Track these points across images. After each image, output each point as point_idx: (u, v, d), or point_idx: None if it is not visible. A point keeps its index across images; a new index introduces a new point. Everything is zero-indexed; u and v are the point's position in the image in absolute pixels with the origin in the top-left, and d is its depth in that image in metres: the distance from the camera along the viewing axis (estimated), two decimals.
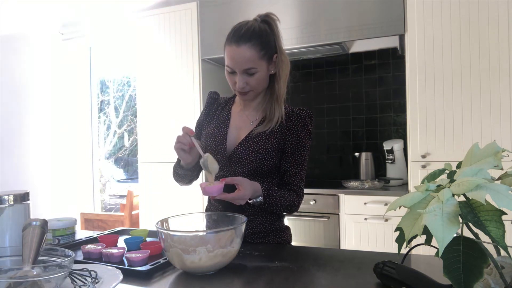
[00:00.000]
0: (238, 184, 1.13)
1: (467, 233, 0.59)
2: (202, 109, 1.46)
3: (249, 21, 1.26)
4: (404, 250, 0.72)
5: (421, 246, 0.74)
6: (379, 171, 2.89)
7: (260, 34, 1.22)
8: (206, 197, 2.90)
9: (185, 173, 1.32)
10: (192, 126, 1.44)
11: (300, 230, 2.62)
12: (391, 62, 2.97)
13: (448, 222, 0.55)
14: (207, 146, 1.31)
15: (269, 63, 1.26)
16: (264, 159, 1.24)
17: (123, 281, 0.86)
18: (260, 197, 1.19)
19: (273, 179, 1.31)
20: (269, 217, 1.29)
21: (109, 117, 5.55)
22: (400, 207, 0.65)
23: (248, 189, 1.14)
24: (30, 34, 3.67)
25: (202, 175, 2.95)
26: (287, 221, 2.63)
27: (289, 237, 1.37)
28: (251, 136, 1.27)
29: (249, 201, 1.19)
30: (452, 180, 0.63)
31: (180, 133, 1.21)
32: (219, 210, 1.32)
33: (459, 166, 0.68)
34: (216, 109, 1.41)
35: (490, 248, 0.60)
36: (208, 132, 1.35)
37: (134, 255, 1.03)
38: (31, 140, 3.67)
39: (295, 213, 2.63)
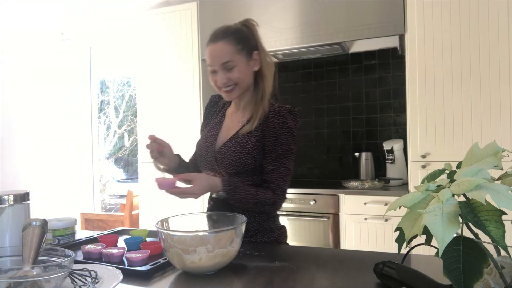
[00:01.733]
0: (192, 179, 1.15)
1: (467, 233, 0.59)
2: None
3: (227, 24, 1.31)
4: (404, 250, 0.72)
5: (421, 246, 0.73)
6: (379, 171, 2.89)
7: (235, 31, 1.27)
8: (206, 197, 2.90)
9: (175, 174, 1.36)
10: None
11: (300, 230, 2.62)
12: (391, 62, 2.96)
13: (448, 222, 0.55)
14: (201, 146, 1.37)
15: (248, 58, 1.28)
16: (245, 158, 1.25)
17: (123, 281, 0.86)
18: (221, 192, 1.21)
19: (258, 178, 1.30)
20: (257, 216, 1.29)
21: (109, 117, 5.55)
22: (400, 207, 0.65)
23: (200, 185, 1.15)
24: (30, 34, 3.67)
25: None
26: (286, 220, 2.65)
27: (280, 237, 1.35)
28: (236, 137, 1.29)
29: (213, 196, 1.22)
30: (452, 180, 0.63)
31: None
32: (214, 209, 1.33)
33: (459, 166, 0.68)
34: (214, 111, 1.46)
35: (490, 248, 0.60)
36: (204, 133, 1.41)
37: (134, 255, 1.03)
38: (31, 140, 3.67)
39: (295, 213, 2.65)
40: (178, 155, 1.40)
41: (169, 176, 1.22)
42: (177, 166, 1.37)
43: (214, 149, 1.32)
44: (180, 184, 1.16)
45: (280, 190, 1.25)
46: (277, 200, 1.25)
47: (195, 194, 1.15)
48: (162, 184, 1.12)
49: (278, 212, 1.38)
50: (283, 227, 1.38)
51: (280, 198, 1.25)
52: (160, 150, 1.29)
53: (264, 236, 1.30)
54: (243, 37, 1.27)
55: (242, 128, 1.29)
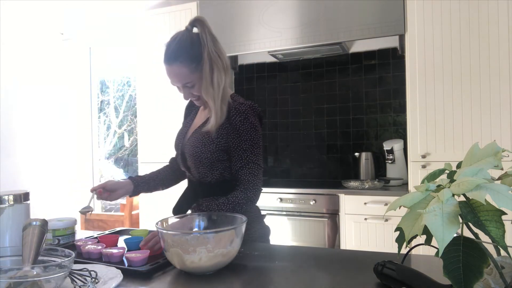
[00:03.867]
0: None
1: (467, 233, 0.59)
2: None
3: (178, 34, 1.34)
4: (404, 250, 0.72)
5: (421, 246, 0.74)
6: (379, 171, 2.89)
7: (186, 47, 1.28)
8: None
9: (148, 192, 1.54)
10: None
11: (300, 230, 2.62)
12: (391, 62, 2.96)
13: (448, 222, 0.55)
14: (174, 142, 1.47)
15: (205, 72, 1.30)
16: (200, 152, 1.30)
17: (123, 281, 0.86)
18: None
19: (222, 172, 1.32)
20: None
21: (109, 117, 5.55)
22: (400, 207, 0.65)
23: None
24: (30, 34, 3.67)
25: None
26: (287, 220, 2.65)
27: (257, 219, 1.38)
28: (196, 132, 1.36)
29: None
30: (452, 180, 0.63)
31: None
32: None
33: (459, 166, 0.68)
34: (191, 109, 1.55)
35: (490, 248, 0.60)
36: (178, 132, 1.49)
37: (134, 255, 1.03)
38: (31, 140, 3.67)
39: (295, 213, 2.65)
40: (130, 179, 1.48)
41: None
42: (134, 189, 1.47)
43: (182, 143, 1.40)
44: None
45: (251, 185, 1.26)
46: (251, 196, 1.27)
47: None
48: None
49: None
50: (265, 233, 1.40)
51: (253, 194, 1.27)
52: (102, 193, 1.39)
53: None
54: (194, 53, 1.28)
55: (204, 125, 1.34)
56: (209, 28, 1.31)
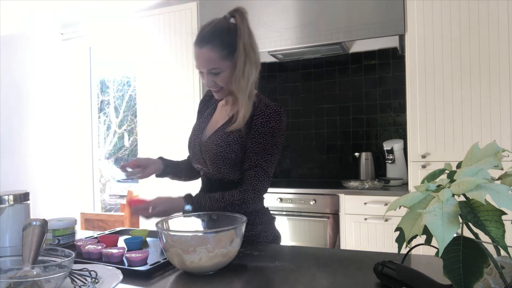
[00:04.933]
0: (151, 206, 1.22)
1: (467, 233, 0.59)
2: None
3: (214, 20, 1.30)
4: (404, 250, 0.72)
5: (421, 246, 0.74)
6: (379, 171, 2.89)
7: (221, 33, 1.25)
8: None
9: (173, 178, 1.49)
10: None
11: (300, 230, 2.62)
12: (391, 62, 2.97)
13: (448, 222, 0.55)
14: (190, 138, 1.41)
15: (234, 61, 1.26)
16: (225, 151, 1.27)
17: (123, 281, 0.86)
18: (188, 206, 1.23)
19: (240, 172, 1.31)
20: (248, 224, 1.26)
21: (109, 117, 5.55)
22: (400, 207, 0.65)
23: (157, 209, 1.22)
24: (30, 34, 3.67)
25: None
26: (287, 220, 2.65)
27: (266, 228, 1.36)
28: (220, 130, 1.31)
29: (183, 215, 1.23)
30: (452, 180, 0.63)
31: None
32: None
33: (459, 166, 0.68)
34: (207, 105, 1.49)
35: (490, 248, 0.60)
36: (193, 127, 1.44)
37: (134, 255, 1.03)
38: (31, 140, 3.67)
39: (295, 213, 2.64)
40: (160, 158, 1.46)
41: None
42: (164, 169, 1.44)
43: (200, 141, 1.35)
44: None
45: (251, 188, 1.24)
46: (247, 198, 1.24)
47: (158, 217, 1.20)
48: (136, 209, 1.24)
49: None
50: (278, 236, 1.39)
51: (251, 197, 1.24)
52: (137, 170, 1.37)
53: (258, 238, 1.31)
54: (229, 41, 1.24)
55: (229, 124, 1.30)
56: (247, 21, 1.28)
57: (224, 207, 1.22)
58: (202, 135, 1.37)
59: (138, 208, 1.23)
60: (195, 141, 1.37)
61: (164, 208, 1.22)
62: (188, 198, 1.25)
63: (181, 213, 1.21)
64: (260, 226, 1.33)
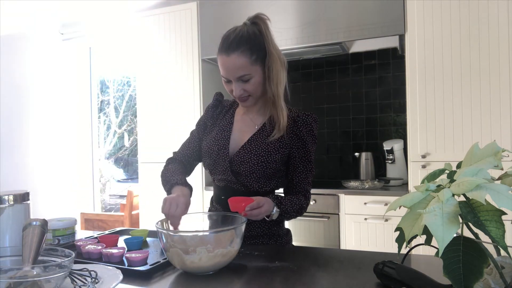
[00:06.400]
0: (261, 206, 1.14)
1: (467, 233, 0.59)
2: (204, 109, 1.45)
3: (237, 27, 1.25)
4: (404, 250, 0.72)
5: (421, 246, 0.74)
6: (379, 171, 2.89)
7: (248, 39, 1.21)
8: (206, 198, 2.90)
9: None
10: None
11: (300, 230, 2.62)
12: (391, 62, 2.96)
13: (448, 222, 0.55)
14: (210, 150, 1.30)
15: (262, 66, 1.23)
16: (266, 161, 1.23)
17: (123, 281, 0.86)
18: (275, 209, 1.19)
19: (277, 182, 1.30)
20: (267, 221, 1.25)
21: (109, 117, 5.55)
22: (400, 207, 0.65)
23: (266, 208, 1.15)
24: (30, 34, 3.67)
25: (200, 173, 2.95)
26: (287, 222, 2.64)
27: (289, 241, 1.36)
28: (253, 140, 1.27)
29: (267, 218, 1.19)
30: (452, 180, 0.63)
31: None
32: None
33: (459, 166, 0.68)
34: (220, 112, 1.40)
35: (490, 248, 0.60)
36: (212, 136, 1.33)
37: (134, 255, 1.03)
38: (31, 140, 3.67)
39: None
40: (181, 184, 1.28)
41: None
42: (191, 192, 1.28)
43: (227, 152, 1.27)
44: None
45: (309, 195, 1.30)
46: (308, 204, 1.29)
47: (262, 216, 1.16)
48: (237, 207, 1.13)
49: None
50: (289, 232, 1.38)
51: (309, 202, 1.30)
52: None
53: (276, 241, 1.30)
54: (256, 45, 1.21)
55: (262, 133, 1.27)
56: (269, 26, 1.27)
57: (297, 210, 1.24)
58: (228, 146, 1.28)
59: (252, 206, 1.11)
60: (219, 152, 1.28)
61: (269, 207, 1.17)
62: (277, 201, 1.20)
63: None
64: (284, 224, 1.37)
